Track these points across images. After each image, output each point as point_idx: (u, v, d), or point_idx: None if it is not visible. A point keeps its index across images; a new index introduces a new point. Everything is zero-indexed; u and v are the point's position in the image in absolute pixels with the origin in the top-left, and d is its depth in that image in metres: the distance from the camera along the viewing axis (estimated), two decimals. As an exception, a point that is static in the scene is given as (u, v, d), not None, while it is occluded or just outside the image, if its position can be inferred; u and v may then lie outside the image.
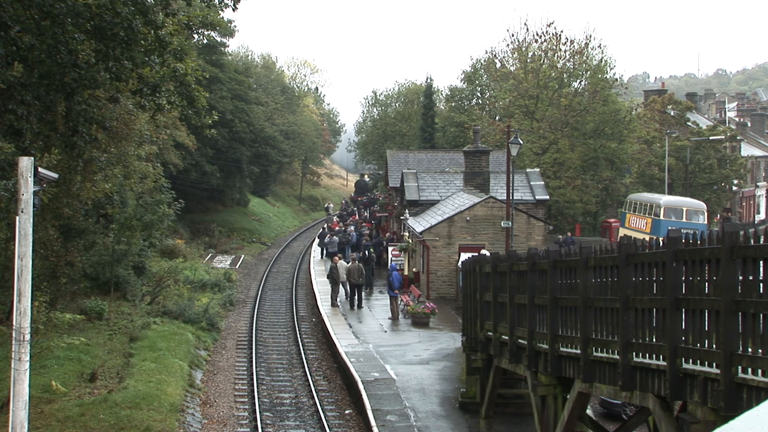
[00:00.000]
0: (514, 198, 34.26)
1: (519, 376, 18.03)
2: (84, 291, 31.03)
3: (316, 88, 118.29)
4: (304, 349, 29.37)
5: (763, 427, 3.09)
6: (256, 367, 27.05)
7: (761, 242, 9.13)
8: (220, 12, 22.37)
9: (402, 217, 42.29)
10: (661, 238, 11.30)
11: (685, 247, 10.42)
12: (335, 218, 60.64)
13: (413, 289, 35.23)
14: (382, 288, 36.95)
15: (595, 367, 12.80)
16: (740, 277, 9.36)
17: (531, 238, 34.80)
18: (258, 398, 23.45)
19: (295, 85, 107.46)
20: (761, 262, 9.06)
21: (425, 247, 35.73)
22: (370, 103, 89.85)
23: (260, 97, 73.37)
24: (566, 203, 50.80)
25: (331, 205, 79.35)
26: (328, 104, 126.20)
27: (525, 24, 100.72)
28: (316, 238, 55.47)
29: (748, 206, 75.92)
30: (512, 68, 57.85)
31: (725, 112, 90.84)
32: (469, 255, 24.52)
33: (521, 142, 34.94)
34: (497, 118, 60.56)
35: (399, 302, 32.06)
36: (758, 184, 77.96)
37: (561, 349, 14.09)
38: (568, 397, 14.23)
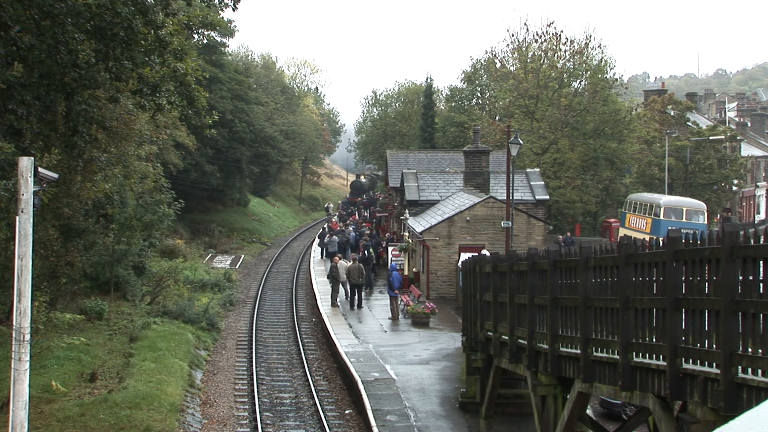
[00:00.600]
0: (514, 198, 34.26)
1: (519, 376, 18.03)
2: (84, 291, 31.03)
3: (316, 88, 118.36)
4: (304, 349, 29.37)
5: (763, 427, 3.09)
6: (256, 367, 27.05)
7: (761, 242, 9.13)
8: (220, 12, 22.35)
9: (402, 217, 42.29)
10: (661, 238, 11.30)
11: (685, 247, 10.43)
12: (335, 218, 60.65)
13: (413, 289, 35.23)
14: (382, 288, 36.95)
15: (595, 367, 12.80)
16: (740, 277, 9.36)
17: (531, 238, 34.80)
18: (258, 398, 23.44)
19: (295, 85, 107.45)
20: (761, 262, 9.06)
21: (425, 247, 35.74)
22: (370, 103, 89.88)
23: (260, 97, 73.39)
24: (566, 203, 50.81)
25: (331, 205, 79.37)
26: (328, 104, 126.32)
27: (525, 24, 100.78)
28: (317, 238, 55.47)
29: (748, 206, 75.93)
30: (512, 68, 57.86)
31: (725, 112, 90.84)
32: (469, 255, 24.52)
33: (521, 142, 34.94)
34: (497, 118, 60.57)
35: (399, 302, 32.06)
36: (758, 184, 77.96)
37: (561, 349, 14.09)
38: (568, 397, 14.23)
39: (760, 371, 9.01)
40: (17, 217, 12.25)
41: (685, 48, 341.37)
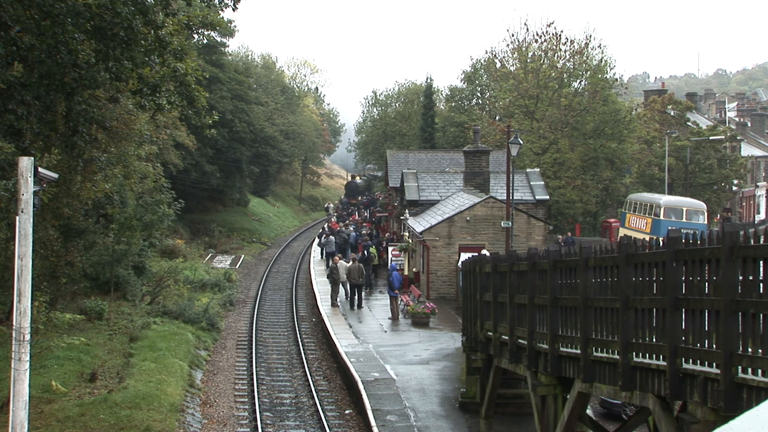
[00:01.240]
0: (514, 198, 34.26)
1: (519, 376, 18.03)
2: (84, 291, 31.04)
3: (316, 88, 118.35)
4: (304, 349, 29.37)
5: (763, 427, 3.09)
6: (256, 367, 27.06)
7: (761, 242, 9.13)
8: (220, 12, 22.37)
9: (402, 217, 42.30)
10: (661, 238, 11.30)
11: (685, 247, 10.43)
12: (333, 218, 60.67)
13: (413, 289, 35.23)
14: (383, 288, 36.96)
15: (595, 367, 12.80)
16: (740, 277, 9.37)
17: (531, 238, 34.80)
18: (258, 398, 23.44)
19: (295, 85, 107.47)
20: (761, 262, 9.06)
21: (425, 247, 35.74)
22: (370, 103, 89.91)
23: (260, 97, 73.40)
24: (566, 203, 50.81)
25: (332, 205, 79.38)
26: (328, 104, 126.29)
27: (525, 24, 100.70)
28: (316, 238, 55.50)
29: (748, 206, 75.93)
30: (512, 68, 57.85)
31: (725, 112, 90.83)
32: (469, 255, 24.52)
33: (521, 142, 34.94)
34: (497, 118, 60.59)
35: (399, 302, 32.07)
36: (758, 184, 77.97)
37: (561, 349, 14.09)
38: (568, 397, 14.23)
39: (760, 371, 9.01)
40: (17, 217, 12.25)
41: (685, 48, 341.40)
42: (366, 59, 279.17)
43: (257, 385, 24.80)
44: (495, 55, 60.54)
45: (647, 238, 12.77)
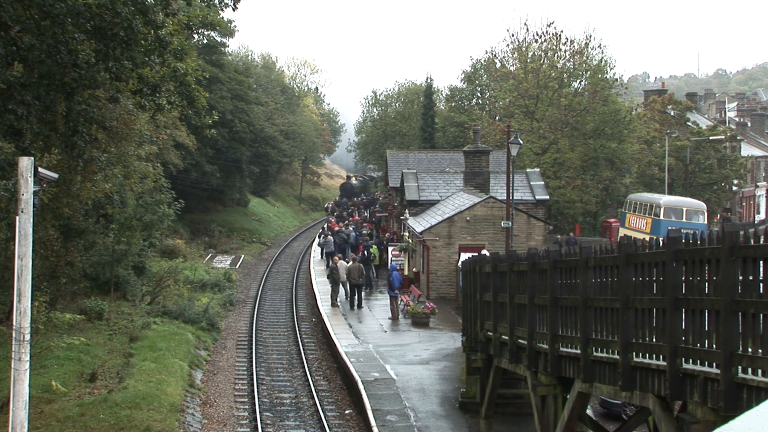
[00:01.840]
0: (514, 198, 34.26)
1: (519, 376, 18.03)
2: (84, 291, 31.04)
3: (316, 88, 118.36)
4: (304, 349, 29.37)
5: (763, 427, 3.09)
6: (256, 367, 27.06)
7: (761, 242, 9.13)
8: (220, 12, 22.36)
9: (402, 217, 42.30)
10: (661, 238, 11.30)
11: (685, 247, 10.42)
12: (332, 219, 60.68)
13: (413, 289, 35.23)
14: (382, 288, 36.96)
15: (595, 367, 12.80)
16: (740, 277, 9.36)
17: (531, 238, 34.80)
18: (258, 398, 23.45)
19: (295, 85, 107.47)
20: (761, 262, 9.06)
21: (425, 247, 35.74)
22: (370, 103, 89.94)
23: (260, 97, 73.39)
24: (566, 203, 50.81)
25: (329, 206, 79.39)
26: (328, 104, 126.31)
27: (525, 24, 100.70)
28: (316, 238, 55.51)
29: (748, 206, 75.93)
30: (512, 68, 57.85)
31: (725, 112, 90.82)
32: (469, 255, 24.52)
33: (521, 142, 34.94)
34: (497, 118, 60.59)
35: (399, 302, 32.07)
36: (758, 184, 77.96)
37: (561, 349, 14.09)
38: (568, 397, 14.23)
39: (760, 371, 9.01)
40: (17, 217, 12.25)
41: (685, 48, 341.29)
42: (366, 59, 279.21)
43: (257, 385, 24.80)
44: (495, 55, 60.57)
45: (647, 238, 12.76)
